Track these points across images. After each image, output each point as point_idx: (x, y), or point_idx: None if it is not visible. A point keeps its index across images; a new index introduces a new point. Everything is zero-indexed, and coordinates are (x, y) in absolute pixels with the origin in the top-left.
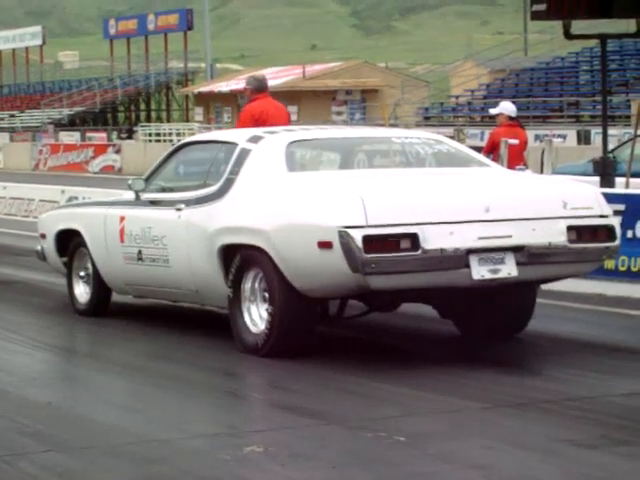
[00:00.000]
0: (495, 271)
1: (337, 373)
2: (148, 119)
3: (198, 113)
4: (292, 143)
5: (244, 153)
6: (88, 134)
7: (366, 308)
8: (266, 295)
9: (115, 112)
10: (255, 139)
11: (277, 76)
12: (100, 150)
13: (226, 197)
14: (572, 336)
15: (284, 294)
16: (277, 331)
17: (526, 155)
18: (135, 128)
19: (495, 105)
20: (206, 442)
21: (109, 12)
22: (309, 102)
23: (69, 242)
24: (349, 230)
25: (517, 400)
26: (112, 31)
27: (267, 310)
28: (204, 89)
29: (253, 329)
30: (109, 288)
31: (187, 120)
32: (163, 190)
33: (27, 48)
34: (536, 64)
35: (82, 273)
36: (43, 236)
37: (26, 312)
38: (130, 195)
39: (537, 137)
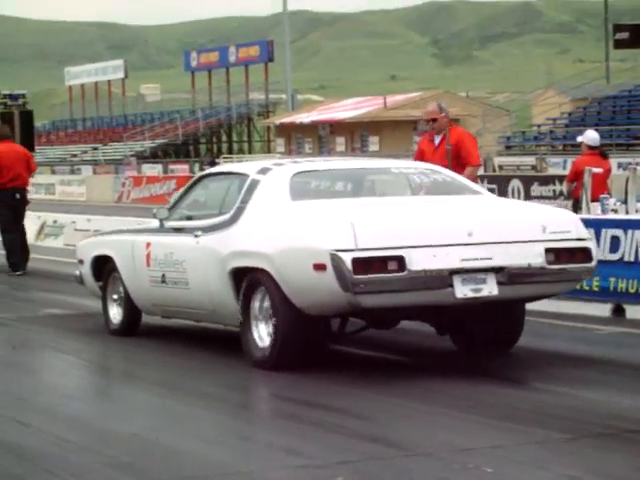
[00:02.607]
0: (477, 290)
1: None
2: (230, 151)
3: (279, 144)
4: (297, 174)
5: (254, 183)
6: (170, 166)
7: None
8: (271, 313)
9: (197, 144)
10: (264, 171)
11: (358, 107)
12: (183, 182)
13: (237, 224)
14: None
15: (286, 312)
16: (280, 345)
17: (610, 183)
18: (217, 160)
19: (579, 133)
20: (292, 473)
21: (190, 44)
22: (390, 132)
23: (104, 267)
24: (340, 253)
25: (599, 429)
26: (193, 63)
27: (272, 326)
28: (285, 120)
29: (260, 344)
30: (139, 310)
31: (269, 151)
32: (184, 218)
33: (109, 81)
34: (618, 92)
35: (115, 296)
36: (81, 262)
37: (109, 343)
38: (156, 223)
39: (620, 165)
